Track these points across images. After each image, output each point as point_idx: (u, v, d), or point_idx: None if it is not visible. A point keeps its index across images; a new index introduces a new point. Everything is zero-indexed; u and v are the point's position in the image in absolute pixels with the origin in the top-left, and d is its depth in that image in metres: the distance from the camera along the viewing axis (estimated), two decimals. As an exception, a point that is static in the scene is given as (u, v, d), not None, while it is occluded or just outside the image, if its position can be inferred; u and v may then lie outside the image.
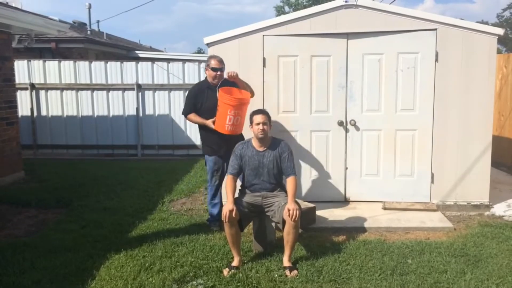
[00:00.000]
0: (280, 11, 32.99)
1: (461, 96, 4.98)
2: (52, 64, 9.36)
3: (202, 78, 9.14)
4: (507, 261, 3.70)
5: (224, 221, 3.57)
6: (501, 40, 24.39)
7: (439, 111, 5.04)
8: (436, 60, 4.99)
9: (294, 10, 29.46)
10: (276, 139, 3.98)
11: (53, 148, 9.45)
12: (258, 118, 3.80)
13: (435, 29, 4.95)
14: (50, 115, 9.40)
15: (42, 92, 9.35)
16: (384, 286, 3.30)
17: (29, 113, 9.30)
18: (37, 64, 9.36)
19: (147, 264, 3.69)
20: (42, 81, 9.34)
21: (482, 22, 25.40)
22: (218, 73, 4.48)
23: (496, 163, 6.78)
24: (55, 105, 9.37)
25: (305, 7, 26.98)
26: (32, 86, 9.28)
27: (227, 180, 3.83)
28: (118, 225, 4.75)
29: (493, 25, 26.16)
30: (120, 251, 3.95)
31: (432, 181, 5.15)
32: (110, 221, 4.86)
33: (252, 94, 4.57)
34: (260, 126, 3.78)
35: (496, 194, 5.48)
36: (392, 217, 4.83)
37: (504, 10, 30.71)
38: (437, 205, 5.10)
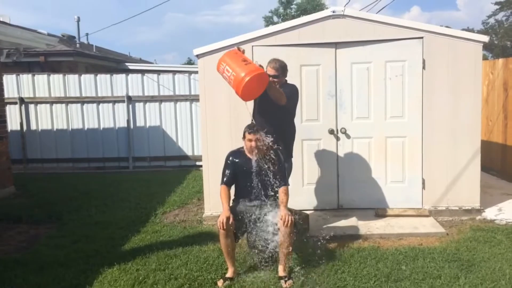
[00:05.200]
0: (269, 21, 33.29)
1: (449, 103, 5.05)
2: (41, 78, 9.32)
3: (193, 89, 9.23)
4: (499, 265, 3.73)
5: (219, 228, 3.56)
6: (487, 46, 24.81)
7: (427, 118, 5.10)
8: (423, 67, 5.06)
9: (283, 20, 29.73)
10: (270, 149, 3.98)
11: (43, 162, 9.37)
12: (251, 136, 3.77)
13: (422, 38, 5.04)
14: (40, 129, 9.34)
15: (31, 106, 9.29)
16: (379, 293, 3.31)
17: (18, 128, 9.23)
18: (26, 78, 9.32)
19: (140, 278, 3.65)
20: (31, 95, 9.29)
21: (468, 29, 25.87)
22: (270, 79, 4.04)
23: (485, 168, 6.86)
24: (44, 119, 9.32)
25: (293, 17, 27.27)
26: (21, 100, 9.22)
27: (221, 190, 3.83)
28: (110, 239, 4.70)
29: (478, 32, 26.65)
30: (113, 265, 3.91)
31: (423, 187, 5.20)
32: (102, 235, 4.81)
33: (280, 100, 4.07)
34: (253, 144, 3.76)
35: (487, 198, 5.54)
36: (385, 223, 4.85)
37: (489, 17, 31.24)
38: (429, 210, 5.14)
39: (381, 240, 4.47)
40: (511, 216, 4.93)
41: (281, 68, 4.25)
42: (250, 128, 3.81)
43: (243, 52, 4.02)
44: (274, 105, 4.13)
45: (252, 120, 4.31)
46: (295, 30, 5.16)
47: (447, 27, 5.33)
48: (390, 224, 4.84)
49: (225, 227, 3.53)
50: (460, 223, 4.94)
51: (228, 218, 3.55)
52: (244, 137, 3.86)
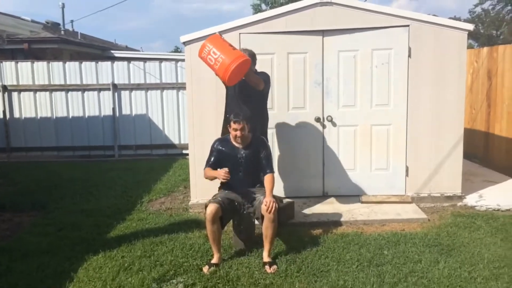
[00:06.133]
0: (257, 9, 32.97)
1: (434, 91, 5.11)
2: (24, 65, 9.14)
3: (180, 77, 9.15)
4: (478, 250, 3.82)
5: (223, 177, 3.64)
6: (473, 35, 25.00)
7: (412, 106, 5.15)
8: (409, 55, 5.10)
9: (271, 8, 29.50)
10: (255, 136, 4.02)
11: (27, 151, 9.23)
12: (236, 125, 3.80)
13: (408, 25, 5.06)
14: (23, 117, 9.18)
15: (14, 94, 9.12)
16: (361, 277, 3.37)
17: (1, 116, 9.07)
18: (9, 65, 9.12)
19: (126, 264, 3.67)
20: (15, 83, 9.11)
21: (455, 18, 25.97)
22: None
23: (468, 155, 6.98)
24: (28, 107, 9.16)
25: (281, 4, 27.06)
26: (4, 88, 9.04)
27: (205, 170, 3.93)
28: (96, 226, 4.69)
29: (465, 21, 26.75)
30: (98, 252, 3.92)
31: (407, 174, 5.27)
32: (87, 223, 4.80)
33: (259, 85, 4.32)
34: (238, 133, 3.80)
35: (469, 185, 5.64)
36: (368, 210, 4.92)
37: (476, 6, 31.43)
38: (412, 197, 5.22)
39: (365, 226, 4.54)
40: (491, 203, 5.04)
41: (251, 57, 4.35)
42: (235, 117, 3.81)
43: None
44: (252, 91, 4.35)
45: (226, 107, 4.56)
46: (282, 18, 5.14)
47: (434, 15, 5.36)
48: (374, 210, 4.91)
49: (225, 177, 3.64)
50: (441, 210, 5.03)
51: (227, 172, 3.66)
52: (229, 125, 3.87)
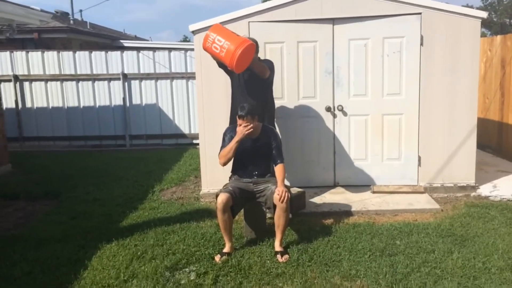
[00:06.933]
0: (265, -3, 32.73)
1: (447, 80, 5.03)
2: (35, 55, 9.20)
3: (189, 67, 9.15)
4: (492, 240, 3.79)
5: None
6: (486, 23, 24.58)
7: (425, 95, 5.09)
8: (421, 44, 5.02)
9: (280, -4, 29.12)
10: (265, 126, 4.00)
11: (40, 140, 9.33)
12: (240, 121, 3.75)
13: (420, 13, 4.97)
14: (35, 106, 9.27)
15: (26, 84, 9.20)
16: (374, 267, 3.36)
17: (13, 105, 9.16)
18: (20, 55, 9.20)
19: (139, 253, 3.70)
20: (26, 73, 9.19)
21: (467, 6, 25.53)
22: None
23: (481, 145, 6.89)
24: (39, 97, 9.24)
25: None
26: (16, 78, 9.12)
27: (220, 153, 3.89)
28: (108, 215, 4.74)
29: (477, 9, 26.30)
30: (111, 241, 3.95)
31: (419, 164, 5.22)
32: (100, 212, 4.85)
33: (265, 73, 4.31)
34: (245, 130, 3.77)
35: (482, 175, 5.58)
36: (380, 200, 4.89)
37: (488, -7, 30.94)
38: (425, 187, 5.18)
39: (377, 216, 4.52)
40: (505, 193, 4.98)
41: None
42: (240, 111, 3.76)
43: None
44: (257, 80, 4.32)
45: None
46: (292, 6, 5.08)
47: (445, 3, 5.26)
48: (386, 200, 4.88)
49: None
50: (454, 200, 4.99)
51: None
52: (237, 120, 3.84)
